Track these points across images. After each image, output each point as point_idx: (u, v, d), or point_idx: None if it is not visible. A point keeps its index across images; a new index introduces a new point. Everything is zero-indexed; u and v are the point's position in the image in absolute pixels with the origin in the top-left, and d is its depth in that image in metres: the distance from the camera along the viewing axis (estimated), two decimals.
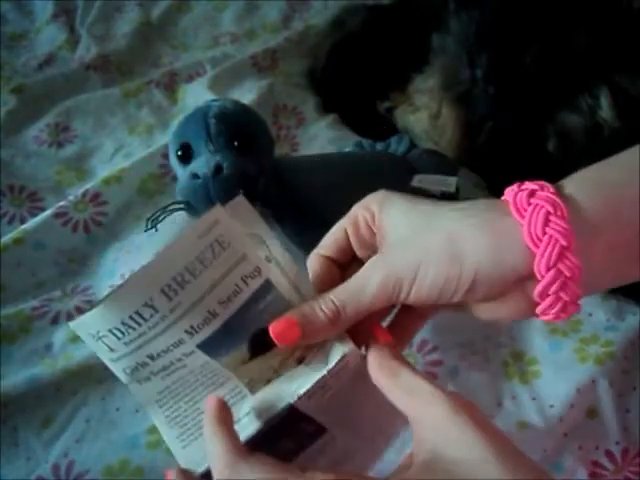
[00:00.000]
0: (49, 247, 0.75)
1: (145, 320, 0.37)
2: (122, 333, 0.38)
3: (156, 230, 0.60)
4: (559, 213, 0.36)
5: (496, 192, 0.79)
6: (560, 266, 0.36)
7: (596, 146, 0.71)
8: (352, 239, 0.44)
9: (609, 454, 0.56)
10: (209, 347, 0.39)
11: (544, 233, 0.36)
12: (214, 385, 0.41)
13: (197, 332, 0.39)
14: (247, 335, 0.40)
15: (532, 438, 0.57)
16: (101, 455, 0.58)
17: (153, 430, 0.59)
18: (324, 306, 0.40)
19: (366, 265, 0.41)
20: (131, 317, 0.37)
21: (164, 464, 0.57)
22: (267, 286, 0.40)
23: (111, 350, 0.38)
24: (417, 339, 0.63)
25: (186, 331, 0.38)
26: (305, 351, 0.42)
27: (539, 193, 0.37)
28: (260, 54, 1.01)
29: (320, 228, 0.64)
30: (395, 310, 0.46)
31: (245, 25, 1.12)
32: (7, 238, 0.74)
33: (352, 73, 0.94)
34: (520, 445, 0.56)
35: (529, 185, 0.38)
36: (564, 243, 0.36)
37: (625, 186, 0.37)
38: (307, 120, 0.93)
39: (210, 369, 0.41)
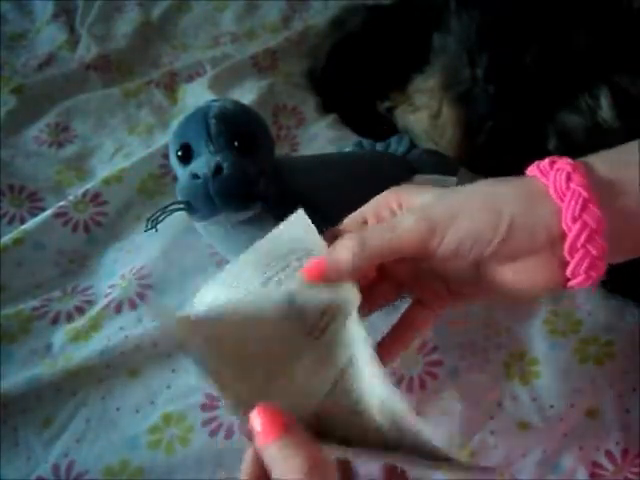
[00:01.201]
0: (49, 247, 0.75)
1: None
2: None
3: (156, 230, 0.60)
4: (580, 171, 0.40)
5: None
6: (585, 217, 0.39)
7: (596, 146, 0.70)
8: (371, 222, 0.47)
9: (609, 454, 0.56)
10: None
11: (568, 188, 0.40)
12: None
13: None
14: None
15: (532, 438, 0.57)
16: (101, 455, 0.58)
17: (153, 430, 0.59)
18: (348, 238, 0.43)
19: (398, 213, 0.44)
20: None
21: (164, 464, 0.57)
22: None
23: None
24: (417, 340, 0.63)
25: None
26: None
27: (560, 160, 0.42)
28: (260, 54, 1.01)
29: (320, 228, 0.64)
30: (399, 301, 0.48)
31: (245, 25, 1.12)
32: (7, 238, 0.74)
33: (352, 73, 0.94)
34: (520, 445, 0.57)
35: (549, 159, 0.43)
36: (586, 195, 0.39)
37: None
38: (307, 120, 0.93)
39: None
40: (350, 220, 0.49)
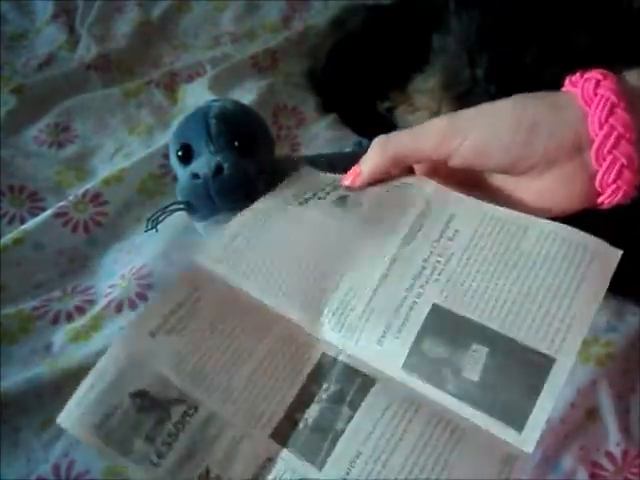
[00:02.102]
0: (49, 247, 0.75)
1: None
2: None
3: (156, 231, 0.60)
4: (609, 78, 0.40)
5: None
6: (612, 121, 0.39)
7: None
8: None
9: (609, 455, 0.55)
10: None
11: (595, 94, 0.39)
12: None
13: None
14: None
15: None
16: None
17: None
18: (377, 139, 0.46)
19: (437, 123, 0.44)
20: None
21: None
22: None
23: None
24: None
25: None
26: None
27: (591, 71, 0.41)
28: (260, 54, 1.01)
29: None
30: None
31: (245, 25, 1.12)
32: (7, 238, 0.74)
33: (352, 73, 0.94)
34: None
35: (580, 71, 0.42)
36: (614, 99, 0.39)
37: None
38: (307, 120, 0.93)
39: None
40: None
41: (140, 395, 0.39)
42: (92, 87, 1.00)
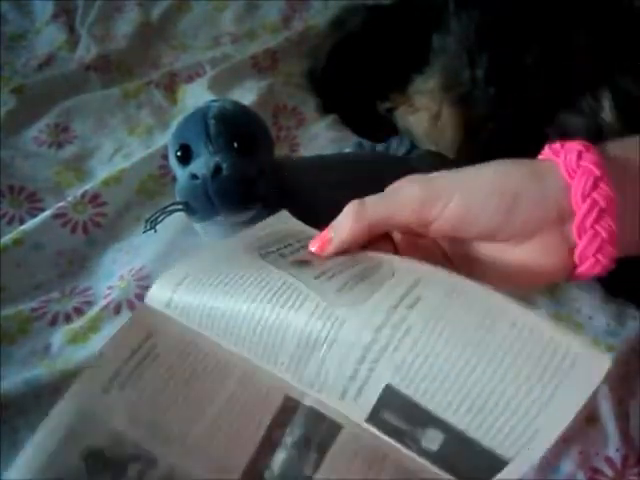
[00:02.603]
0: (48, 248, 0.75)
1: None
2: None
3: (155, 231, 0.60)
4: (591, 150, 0.39)
5: None
6: (595, 195, 0.38)
7: None
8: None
9: (609, 460, 0.55)
10: None
11: (578, 166, 0.38)
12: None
13: None
14: None
15: None
16: None
17: None
18: (351, 205, 0.43)
19: (410, 190, 0.42)
20: None
21: None
22: None
23: None
24: None
25: None
26: None
27: (571, 142, 0.40)
28: (260, 54, 1.01)
29: (319, 229, 0.64)
30: None
31: (245, 25, 1.12)
32: (6, 239, 0.73)
33: (352, 73, 0.94)
34: None
35: (560, 141, 0.41)
36: (597, 173, 0.38)
37: None
38: (307, 121, 0.93)
39: None
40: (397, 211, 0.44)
41: (93, 455, 0.35)
42: (92, 87, 1.00)
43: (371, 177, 0.71)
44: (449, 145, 0.84)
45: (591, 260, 0.39)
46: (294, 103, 0.95)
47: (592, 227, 0.38)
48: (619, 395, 0.59)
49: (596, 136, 0.70)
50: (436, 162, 0.76)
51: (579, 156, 0.39)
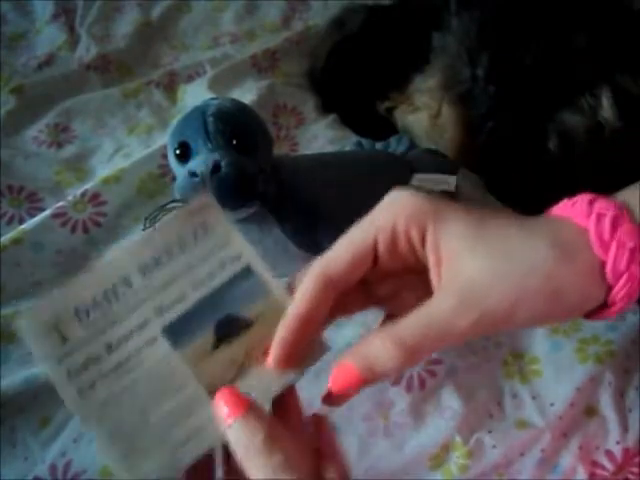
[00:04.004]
0: (48, 247, 0.75)
1: (117, 297, 0.37)
2: (88, 314, 0.37)
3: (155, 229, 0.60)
4: (625, 218, 0.36)
5: (495, 192, 0.80)
6: (633, 269, 0.36)
7: (597, 146, 0.71)
8: (383, 255, 0.39)
9: (609, 454, 0.55)
10: (174, 332, 0.38)
11: (612, 238, 0.36)
12: (168, 392, 0.37)
13: (165, 312, 0.38)
14: (217, 320, 0.39)
15: (532, 437, 0.57)
16: (99, 455, 0.58)
17: None
18: (393, 344, 0.36)
19: (446, 298, 0.37)
20: (105, 293, 0.37)
21: None
22: (246, 272, 0.40)
23: (63, 342, 0.37)
24: None
25: (155, 309, 0.38)
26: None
27: (621, 224, 0.36)
28: (260, 54, 1.01)
29: (319, 227, 0.64)
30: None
31: (245, 25, 1.12)
32: (6, 238, 0.73)
33: (352, 73, 0.94)
34: (520, 444, 0.56)
35: (600, 209, 0.37)
36: (632, 245, 0.36)
37: None
38: (307, 120, 0.93)
39: (167, 368, 0.38)
40: (344, 255, 0.39)
41: None
42: (92, 87, 1.00)
43: (370, 176, 0.71)
44: (449, 144, 0.84)
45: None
46: (294, 103, 0.95)
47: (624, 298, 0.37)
48: (619, 388, 0.59)
49: (596, 134, 0.70)
50: (436, 161, 0.76)
51: (614, 227, 0.36)
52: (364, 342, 0.37)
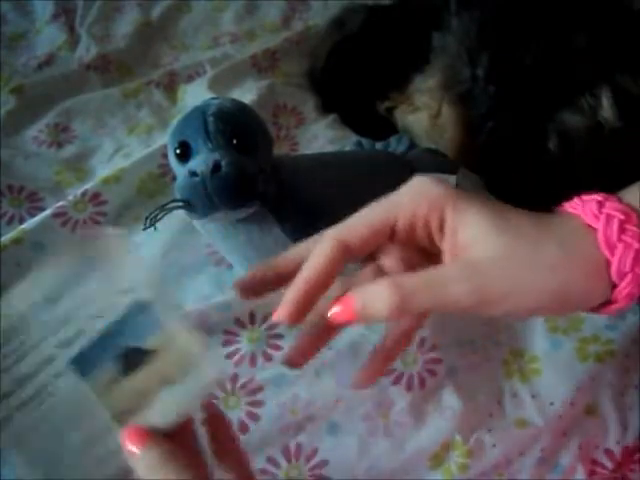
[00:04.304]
0: (48, 247, 0.75)
1: (19, 334, 0.38)
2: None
3: (155, 229, 0.60)
4: (632, 220, 0.38)
5: (495, 192, 0.80)
6: (637, 270, 0.37)
7: (597, 145, 0.71)
8: (400, 234, 0.41)
9: (609, 453, 0.55)
10: (80, 364, 0.39)
11: (619, 240, 0.38)
12: (79, 421, 0.39)
13: (68, 346, 0.39)
14: (119, 351, 0.39)
15: (531, 436, 0.57)
16: None
17: None
18: (383, 285, 0.38)
19: (452, 266, 0.40)
20: (8, 331, 0.38)
21: None
22: (142, 305, 0.40)
23: None
24: (417, 337, 0.63)
25: (58, 344, 0.39)
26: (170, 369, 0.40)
27: (628, 227, 0.38)
28: (260, 54, 1.01)
29: (320, 227, 0.64)
30: None
31: (245, 25, 1.12)
32: (6, 238, 0.73)
33: (352, 73, 0.94)
34: (519, 443, 0.57)
35: (610, 210, 0.39)
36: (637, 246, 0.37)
37: None
38: (307, 120, 0.93)
39: (77, 398, 0.39)
40: (361, 227, 0.41)
41: None
42: (92, 87, 1.00)
43: (370, 175, 0.71)
44: (449, 144, 0.84)
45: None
46: (294, 103, 0.95)
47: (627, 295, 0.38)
48: (619, 387, 0.59)
49: (595, 134, 0.70)
50: (435, 160, 0.76)
51: (621, 228, 0.38)
52: (370, 283, 0.39)
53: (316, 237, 0.43)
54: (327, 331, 0.44)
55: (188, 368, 0.39)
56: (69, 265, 0.39)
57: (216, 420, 0.43)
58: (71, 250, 0.40)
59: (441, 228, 0.40)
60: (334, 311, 0.39)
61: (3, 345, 0.38)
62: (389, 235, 0.41)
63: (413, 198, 0.41)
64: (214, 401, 0.43)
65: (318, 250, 0.41)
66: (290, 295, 0.40)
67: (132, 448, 0.38)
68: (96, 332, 0.39)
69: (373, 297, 0.38)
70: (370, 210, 0.42)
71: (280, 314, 0.40)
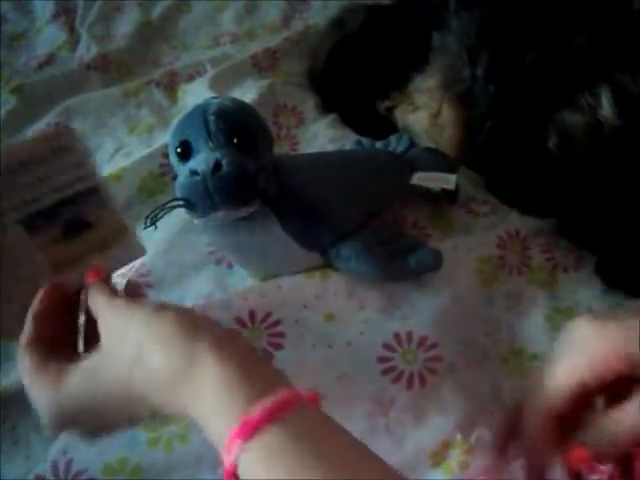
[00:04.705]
0: None
1: None
2: None
3: (155, 228, 0.60)
4: None
5: (495, 191, 0.80)
6: None
7: (597, 144, 0.71)
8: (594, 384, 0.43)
9: None
10: (28, 224, 0.49)
11: None
12: (23, 264, 0.52)
13: (19, 209, 0.48)
14: (65, 219, 0.51)
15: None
16: (100, 453, 0.58)
17: (152, 428, 0.59)
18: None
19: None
20: None
21: (164, 462, 0.57)
22: (95, 190, 0.52)
23: None
24: (417, 335, 0.63)
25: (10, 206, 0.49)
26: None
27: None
28: (260, 54, 1.01)
29: (320, 226, 0.64)
30: None
31: (245, 25, 1.12)
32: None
33: (352, 73, 0.94)
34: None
35: None
36: None
37: None
38: (307, 120, 0.93)
39: (24, 249, 0.50)
40: (560, 384, 0.44)
41: None
42: (92, 87, 1.01)
43: (371, 174, 0.71)
44: (449, 143, 0.84)
45: None
46: (294, 102, 0.95)
47: None
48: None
49: (595, 133, 0.70)
50: (435, 159, 0.76)
51: None
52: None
53: None
54: None
55: (120, 240, 0.53)
56: (33, 149, 0.50)
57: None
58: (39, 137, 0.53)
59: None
60: None
61: None
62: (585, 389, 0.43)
63: (585, 357, 0.43)
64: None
65: (534, 427, 0.45)
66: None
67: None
68: (50, 202, 0.50)
69: None
70: (556, 375, 0.45)
71: None
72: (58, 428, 0.48)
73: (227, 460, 0.38)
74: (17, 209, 0.49)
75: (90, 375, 0.45)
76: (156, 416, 0.45)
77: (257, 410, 0.38)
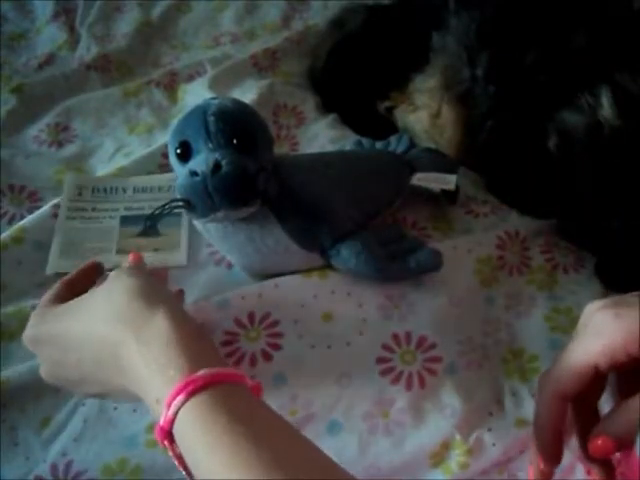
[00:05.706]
0: (49, 246, 0.75)
1: None
2: None
3: (155, 228, 0.60)
4: None
5: (495, 191, 0.80)
6: None
7: (597, 144, 0.71)
8: (606, 367, 0.44)
9: None
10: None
11: None
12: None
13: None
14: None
15: (531, 435, 0.57)
16: (99, 454, 0.58)
17: (151, 429, 0.59)
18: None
19: None
20: None
21: (163, 463, 0.57)
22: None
23: None
24: (416, 335, 0.63)
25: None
26: None
27: None
28: (260, 54, 1.01)
29: (320, 226, 0.64)
30: None
31: (245, 25, 1.12)
32: (6, 236, 0.73)
33: (352, 73, 0.94)
34: (519, 442, 0.56)
35: None
36: None
37: None
38: (307, 120, 0.93)
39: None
40: (573, 366, 0.45)
41: None
42: (92, 87, 1.01)
43: (371, 175, 0.71)
44: (449, 143, 0.84)
45: None
46: (294, 102, 0.95)
47: None
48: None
49: (595, 133, 0.70)
50: (435, 160, 0.76)
51: None
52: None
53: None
54: None
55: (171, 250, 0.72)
56: None
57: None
58: None
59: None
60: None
61: None
62: (595, 372, 0.44)
63: (602, 343, 0.44)
64: None
65: (544, 407, 0.47)
66: (538, 449, 0.48)
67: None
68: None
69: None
70: (572, 357, 0.45)
71: (536, 467, 0.49)
72: (32, 343, 0.53)
73: (164, 416, 0.40)
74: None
75: (65, 310, 0.52)
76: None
77: (204, 372, 0.41)
